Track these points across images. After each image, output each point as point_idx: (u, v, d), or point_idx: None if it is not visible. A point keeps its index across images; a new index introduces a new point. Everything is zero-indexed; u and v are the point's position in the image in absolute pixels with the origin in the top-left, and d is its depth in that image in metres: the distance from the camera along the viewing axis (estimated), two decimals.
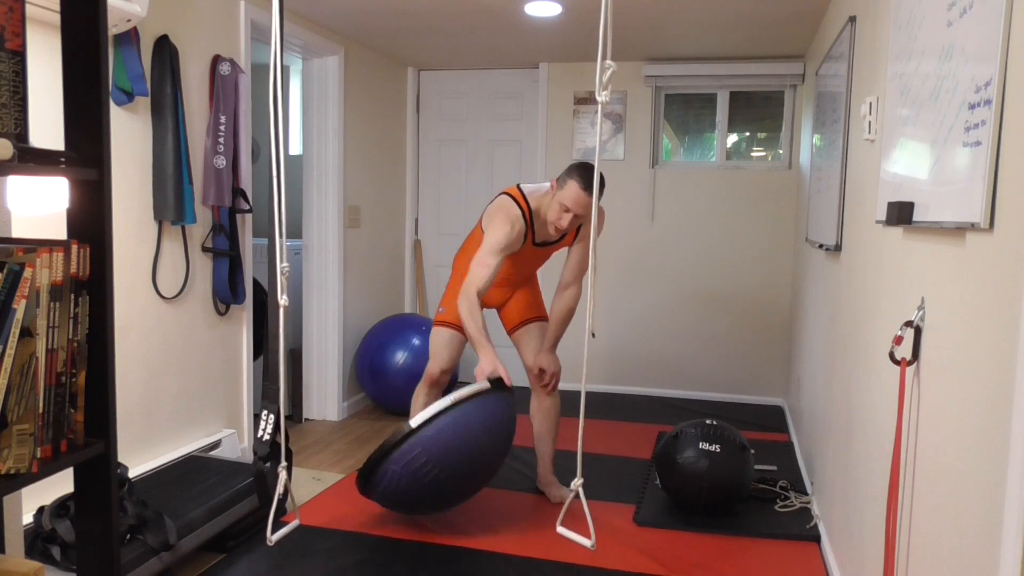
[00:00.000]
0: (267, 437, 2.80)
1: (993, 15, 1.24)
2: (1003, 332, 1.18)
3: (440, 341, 3.20)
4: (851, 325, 2.51)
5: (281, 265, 2.25)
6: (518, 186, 3.08)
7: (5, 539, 1.66)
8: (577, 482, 2.18)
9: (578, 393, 5.16)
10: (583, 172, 2.89)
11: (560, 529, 2.26)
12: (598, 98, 1.82)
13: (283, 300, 2.27)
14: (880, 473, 1.95)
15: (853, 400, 2.40)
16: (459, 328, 3.21)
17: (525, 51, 4.76)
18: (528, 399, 4.90)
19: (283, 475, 2.33)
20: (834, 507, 2.70)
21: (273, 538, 2.29)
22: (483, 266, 2.89)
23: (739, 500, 3.10)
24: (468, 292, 2.86)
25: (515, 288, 3.32)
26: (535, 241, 3.10)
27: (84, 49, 1.32)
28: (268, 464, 2.84)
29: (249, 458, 3.64)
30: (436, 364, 3.18)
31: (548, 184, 3.09)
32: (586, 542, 2.15)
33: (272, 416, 2.81)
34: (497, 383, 2.82)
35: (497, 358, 2.86)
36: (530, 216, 3.01)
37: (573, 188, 2.87)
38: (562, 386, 5.29)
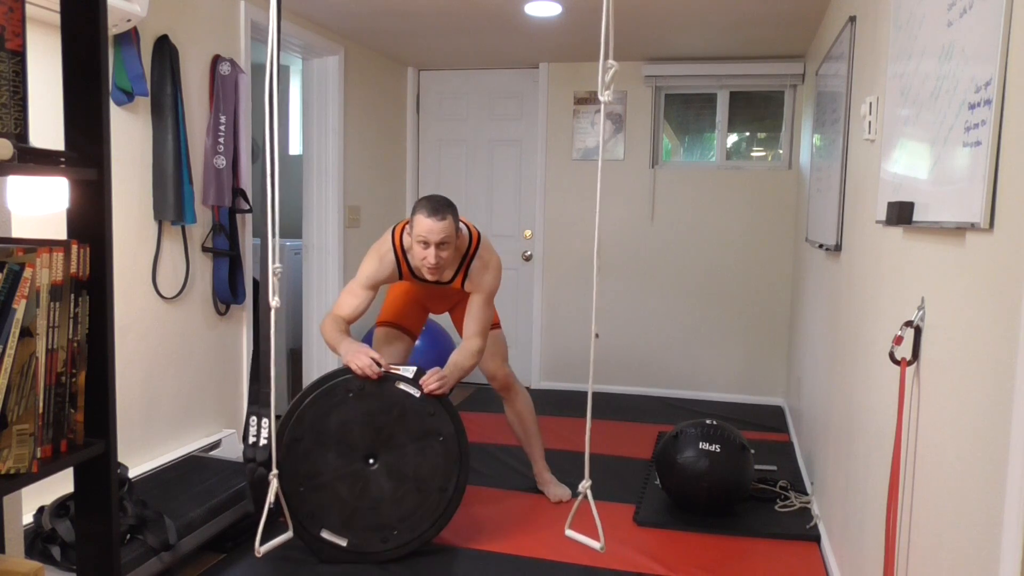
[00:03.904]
0: (264, 442, 2.76)
1: (993, 15, 1.24)
2: (1003, 332, 1.18)
3: (379, 340, 3.18)
4: (851, 325, 2.51)
5: (273, 266, 2.23)
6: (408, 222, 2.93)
7: (5, 539, 1.66)
8: (585, 484, 2.17)
9: (580, 393, 5.16)
10: (425, 200, 2.74)
11: (569, 532, 2.25)
12: (601, 97, 1.81)
13: (274, 301, 2.24)
14: (880, 473, 1.95)
15: (853, 400, 2.40)
16: (397, 326, 3.18)
17: (525, 51, 4.77)
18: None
19: (275, 483, 2.28)
20: (834, 507, 2.70)
21: (262, 549, 2.23)
22: (351, 295, 2.84)
23: (739, 500, 3.10)
24: (331, 316, 2.81)
25: (456, 299, 3.23)
26: (417, 278, 2.95)
27: (84, 49, 1.32)
28: (267, 471, 2.82)
29: None
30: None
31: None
32: (595, 544, 2.14)
33: (266, 420, 2.77)
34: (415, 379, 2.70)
35: (359, 343, 2.74)
36: (402, 252, 2.88)
37: (420, 220, 2.70)
38: (565, 386, 5.29)
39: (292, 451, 2.66)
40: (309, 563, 2.70)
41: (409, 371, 2.72)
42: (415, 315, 3.23)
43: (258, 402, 2.84)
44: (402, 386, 2.70)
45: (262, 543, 2.23)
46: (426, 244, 2.72)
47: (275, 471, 2.31)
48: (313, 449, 2.67)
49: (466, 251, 2.90)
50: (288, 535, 2.34)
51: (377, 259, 2.87)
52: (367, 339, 4.65)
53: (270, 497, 2.26)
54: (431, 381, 2.70)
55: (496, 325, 3.24)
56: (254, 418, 2.81)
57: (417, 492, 2.69)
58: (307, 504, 2.66)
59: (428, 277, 2.83)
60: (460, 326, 3.22)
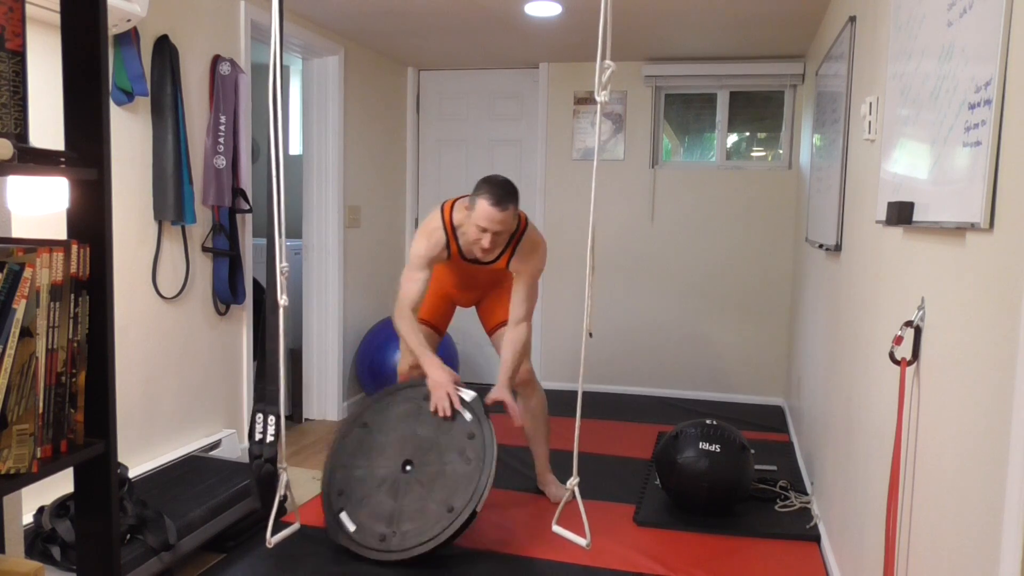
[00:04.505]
0: (270, 439, 2.79)
1: (993, 15, 1.24)
2: (1003, 332, 1.18)
3: None
4: (851, 325, 2.51)
5: (281, 265, 2.25)
6: (461, 197, 2.97)
7: (5, 539, 1.66)
8: (573, 481, 2.18)
9: (574, 393, 5.16)
10: (491, 186, 2.75)
11: (556, 528, 2.27)
12: (597, 98, 1.81)
13: (283, 300, 2.26)
14: (880, 473, 1.95)
15: (853, 400, 2.40)
16: (427, 323, 3.20)
17: (525, 51, 4.76)
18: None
19: (284, 476, 2.33)
20: (834, 507, 2.70)
21: (273, 540, 2.28)
22: (410, 281, 2.89)
23: (739, 500, 3.10)
24: (402, 310, 2.88)
25: (485, 289, 3.26)
26: (464, 257, 2.99)
27: (84, 49, 1.32)
28: (275, 467, 2.84)
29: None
30: (406, 361, 3.18)
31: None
32: (581, 541, 2.15)
33: (273, 418, 2.80)
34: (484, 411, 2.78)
35: (444, 367, 2.85)
36: (452, 230, 2.91)
37: (482, 206, 2.73)
38: (565, 386, 5.29)
39: (356, 433, 2.85)
40: (310, 563, 2.70)
41: (469, 395, 2.80)
42: (443, 311, 3.27)
43: (264, 399, 2.85)
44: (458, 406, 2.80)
45: (272, 534, 2.28)
46: (484, 229, 2.77)
47: (284, 465, 2.35)
48: (371, 438, 2.83)
49: (514, 232, 2.95)
50: (296, 526, 2.37)
51: (426, 237, 2.91)
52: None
53: (280, 490, 2.30)
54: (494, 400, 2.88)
55: None
56: (260, 415, 2.83)
57: (425, 505, 2.71)
58: (341, 482, 2.78)
59: (479, 256, 2.89)
60: (486, 319, 3.29)
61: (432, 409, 2.80)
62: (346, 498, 2.77)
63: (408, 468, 2.78)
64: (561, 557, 2.78)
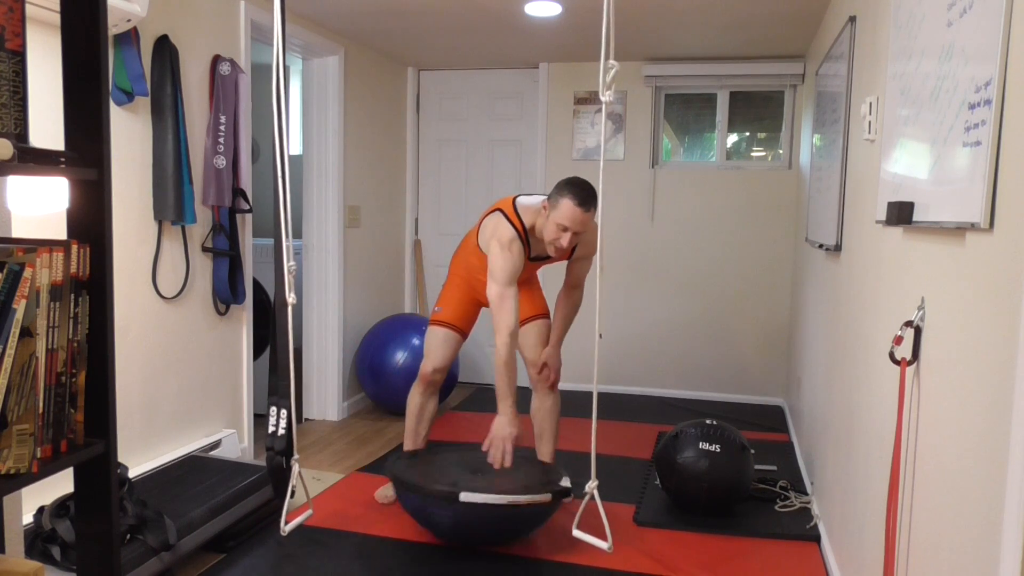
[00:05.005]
0: (282, 432, 2.80)
1: (993, 15, 1.24)
2: (1003, 332, 1.18)
3: (435, 340, 3.20)
4: (851, 325, 2.51)
5: (288, 264, 2.26)
6: (515, 200, 3.00)
7: (5, 539, 1.66)
8: (592, 484, 2.17)
9: (582, 393, 5.16)
10: (576, 188, 2.79)
11: (576, 532, 2.25)
12: (602, 97, 1.82)
13: (291, 298, 2.28)
14: (880, 473, 1.95)
15: (853, 400, 2.40)
16: (454, 328, 3.21)
17: (525, 51, 4.77)
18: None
19: (296, 468, 2.35)
20: (834, 507, 2.70)
21: (286, 528, 2.29)
22: (506, 299, 2.83)
23: (739, 500, 3.10)
24: (503, 338, 2.80)
25: (518, 286, 3.30)
26: (530, 256, 3.07)
27: (84, 49, 1.32)
28: (285, 459, 2.85)
29: (249, 458, 3.64)
30: (430, 362, 3.19)
31: (542, 198, 3.01)
32: (603, 544, 2.14)
33: (285, 411, 2.82)
34: (559, 496, 2.74)
35: (513, 422, 2.80)
36: (525, 234, 2.95)
37: (568, 206, 2.77)
38: (569, 387, 5.29)
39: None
40: (310, 563, 2.70)
41: (567, 481, 2.83)
42: (471, 313, 3.28)
43: (277, 393, 2.86)
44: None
45: (287, 523, 2.30)
46: (565, 229, 2.81)
47: (296, 456, 2.36)
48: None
49: None
50: (309, 513, 2.39)
51: (507, 252, 2.88)
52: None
53: (291, 480, 2.31)
54: (553, 378, 3.18)
55: (545, 315, 3.28)
56: (274, 408, 2.84)
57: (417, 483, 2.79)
58: (438, 452, 3.15)
59: (551, 254, 2.97)
60: None
61: (488, 456, 2.81)
62: (430, 450, 3.14)
63: (474, 474, 2.86)
64: (560, 557, 2.78)
